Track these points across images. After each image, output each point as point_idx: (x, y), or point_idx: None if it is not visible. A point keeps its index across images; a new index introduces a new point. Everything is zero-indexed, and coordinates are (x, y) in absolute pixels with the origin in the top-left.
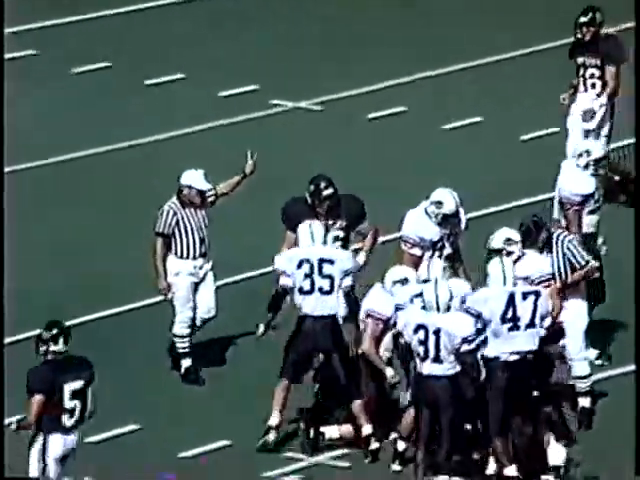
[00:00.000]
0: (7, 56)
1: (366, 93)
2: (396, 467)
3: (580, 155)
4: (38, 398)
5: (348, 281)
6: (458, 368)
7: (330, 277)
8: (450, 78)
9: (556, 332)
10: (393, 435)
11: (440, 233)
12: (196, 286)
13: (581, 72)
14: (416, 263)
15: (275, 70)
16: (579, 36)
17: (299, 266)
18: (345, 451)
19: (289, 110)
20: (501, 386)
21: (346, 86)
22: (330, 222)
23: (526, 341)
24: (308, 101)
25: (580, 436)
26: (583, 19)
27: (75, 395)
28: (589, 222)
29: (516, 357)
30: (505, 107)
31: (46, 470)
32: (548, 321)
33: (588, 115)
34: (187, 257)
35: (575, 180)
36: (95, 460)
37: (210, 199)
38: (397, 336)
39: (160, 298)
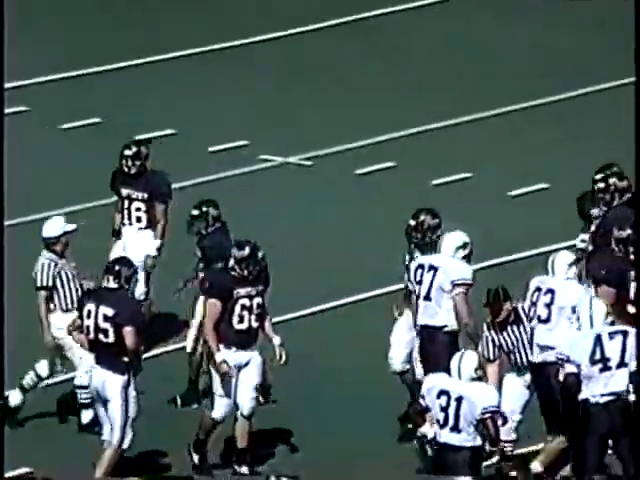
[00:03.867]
0: None
1: (355, 148)
2: None
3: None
4: None
5: None
6: (479, 441)
7: None
8: (439, 133)
9: None
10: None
11: None
12: None
13: (126, 205)
14: (469, 303)
15: (264, 125)
16: (125, 169)
17: None
18: None
19: (278, 165)
20: (602, 432)
21: (335, 141)
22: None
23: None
24: (297, 156)
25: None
26: (127, 152)
27: None
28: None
29: (612, 398)
30: (494, 163)
31: None
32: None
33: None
34: (72, 310)
35: None
36: None
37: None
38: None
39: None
